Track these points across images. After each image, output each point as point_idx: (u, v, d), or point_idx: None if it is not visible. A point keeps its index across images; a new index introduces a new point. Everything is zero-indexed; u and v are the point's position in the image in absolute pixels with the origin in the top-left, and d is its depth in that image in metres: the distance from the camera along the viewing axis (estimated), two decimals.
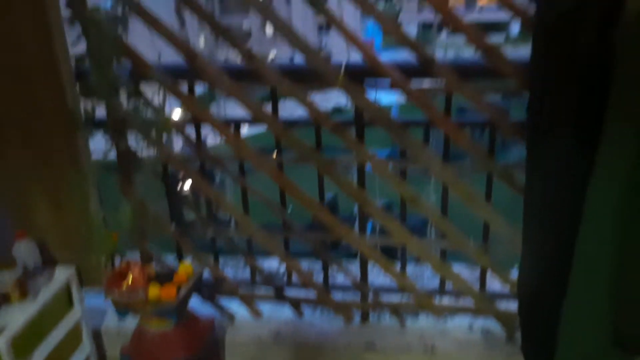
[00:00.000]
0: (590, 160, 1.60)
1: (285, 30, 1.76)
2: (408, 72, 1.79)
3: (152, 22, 1.72)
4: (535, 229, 1.80)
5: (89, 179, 1.80)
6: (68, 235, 1.92)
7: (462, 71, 1.76)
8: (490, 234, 1.99)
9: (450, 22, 1.67)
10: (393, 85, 1.77)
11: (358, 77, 1.82)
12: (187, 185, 2.31)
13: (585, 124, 1.59)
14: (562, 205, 1.72)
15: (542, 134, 1.69)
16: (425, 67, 1.74)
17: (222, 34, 1.76)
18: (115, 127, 1.85)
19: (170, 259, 2.20)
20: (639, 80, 1.50)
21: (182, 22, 1.70)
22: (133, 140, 1.88)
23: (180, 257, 2.24)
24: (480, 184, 1.94)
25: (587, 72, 1.57)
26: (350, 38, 1.75)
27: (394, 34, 1.72)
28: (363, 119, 1.91)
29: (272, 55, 14.82)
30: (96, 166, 1.81)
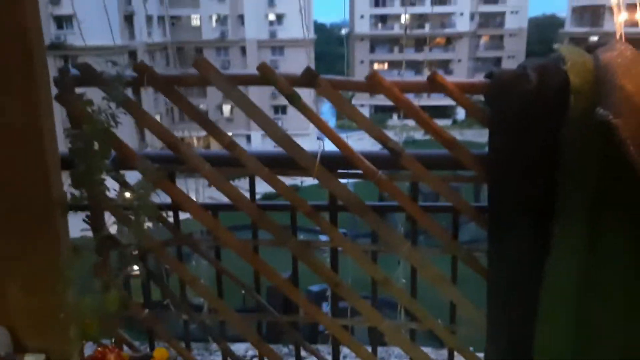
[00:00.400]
0: (546, 244, 1.76)
1: (263, 121, 1.89)
2: (378, 162, 1.93)
3: (140, 115, 1.83)
4: (499, 309, 1.92)
5: (67, 264, 1.81)
6: (41, 321, 1.89)
7: (427, 162, 1.92)
8: (457, 315, 2.08)
9: (402, 107, 1.84)
10: (364, 176, 1.91)
11: (332, 165, 1.95)
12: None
13: (540, 211, 1.76)
14: (522, 287, 1.85)
15: (501, 221, 1.84)
16: (393, 157, 1.90)
17: (205, 126, 1.88)
18: (97, 213, 1.90)
19: (143, 344, 2.18)
20: (583, 171, 1.70)
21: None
22: (113, 225, 1.92)
23: (152, 344, 2.22)
24: (448, 262, 2.07)
25: (540, 164, 1.76)
26: (325, 130, 1.90)
27: (359, 123, 1.88)
28: (337, 205, 2.03)
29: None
30: (75, 251, 1.83)
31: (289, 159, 1.92)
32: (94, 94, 1.88)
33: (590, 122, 1.61)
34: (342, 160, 1.93)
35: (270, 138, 1.90)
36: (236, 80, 1.85)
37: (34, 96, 1.70)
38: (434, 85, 1.83)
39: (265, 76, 1.83)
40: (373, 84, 1.85)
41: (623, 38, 1.75)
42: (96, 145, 1.69)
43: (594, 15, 44.80)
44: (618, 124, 1.55)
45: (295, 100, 1.85)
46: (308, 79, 1.84)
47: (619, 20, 1.77)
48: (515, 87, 1.75)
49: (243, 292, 2.21)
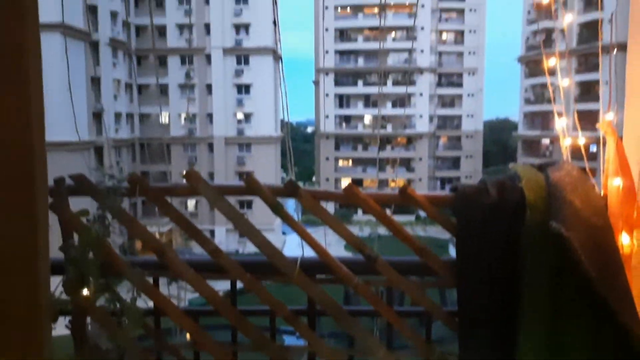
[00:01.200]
0: (513, 345, 1.87)
1: (247, 228, 2.01)
2: (354, 267, 2.06)
3: (131, 223, 1.93)
4: None
5: None
6: None
7: (400, 267, 2.05)
8: None
9: (376, 217, 2.00)
10: (342, 281, 2.02)
11: (311, 270, 2.06)
12: None
13: (504, 315, 1.90)
14: None
15: (470, 324, 1.96)
16: (369, 263, 2.02)
17: (193, 234, 1.98)
18: (80, 319, 1.93)
19: None
20: (540, 277, 1.86)
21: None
22: (95, 332, 1.94)
23: None
24: None
25: (502, 271, 1.92)
26: (306, 237, 2.03)
27: (339, 232, 2.01)
28: (315, 309, 2.11)
29: None
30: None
31: (270, 265, 2.02)
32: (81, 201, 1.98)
33: (545, 234, 1.80)
34: (320, 266, 2.05)
35: (254, 244, 2.01)
36: (224, 190, 1.99)
37: (30, 206, 1.78)
38: (405, 197, 2.01)
39: (251, 187, 1.97)
40: (349, 195, 2.01)
41: (569, 159, 1.99)
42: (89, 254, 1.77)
43: (544, 120, 47.92)
44: (570, 236, 1.73)
45: (278, 210, 1.99)
46: (290, 190, 2.00)
47: (565, 144, 2.03)
48: (477, 200, 1.94)
49: None
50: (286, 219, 1.99)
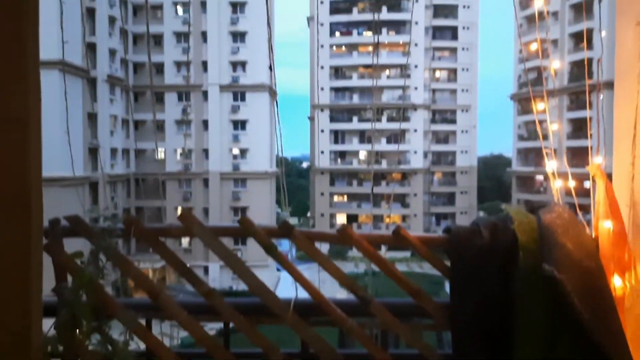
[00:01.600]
0: None
1: (241, 270, 2.01)
2: (348, 309, 2.05)
3: (126, 266, 1.93)
4: None
5: None
6: None
7: (394, 309, 2.05)
8: None
9: (370, 258, 2.00)
10: (336, 323, 2.01)
11: (304, 312, 2.05)
12: None
13: (500, 358, 1.89)
14: None
15: None
16: (363, 305, 2.02)
17: (187, 276, 1.98)
18: None
19: None
20: (534, 319, 1.87)
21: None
22: None
23: None
24: None
25: (496, 313, 1.92)
26: (300, 279, 2.03)
27: (333, 274, 2.02)
28: (309, 352, 2.09)
29: None
30: None
31: (264, 307, 2.02)
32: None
33: (537, 276, 1.81)
34: (314, 308, 2.04)
35: (247, 286, 2.01)
36: (219, 232, 2.00)
37: (24, 247, 1.78)
38: (398, 239, 2.02)
39: (246, 228, 1.98)
40: (344, 236, 2.02)
41: (560, 201, 2.02)
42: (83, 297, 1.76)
43: (538, 156, 48.34)
44: (562, 279, 1.75)
45: (273, 251, 2.00)
46: (284, 231, 2.01)
47: (556, 186, 2.06)
48: (470, 242, 1.95)
49: None
50: (280, 261, 1.99)
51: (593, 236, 1.96)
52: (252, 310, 2.06)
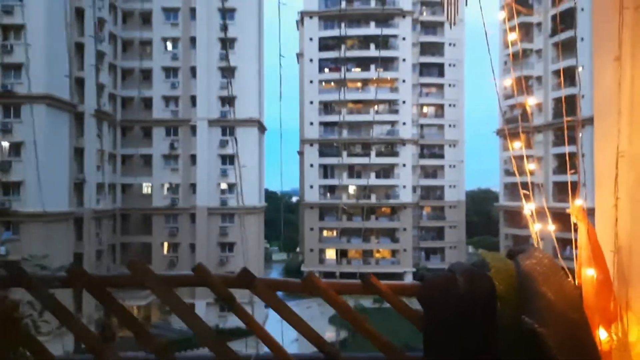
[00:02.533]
0: None
1: (200, 328, 1.85)
2: None
3: (68, 320, 1.75)
4: None
5: None
6: None
7: None
8: None
9: (337, 309, 1.85)
10: None
11: None
12: None
13: None
14: None
15: None
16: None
17: (132, 329, 1.81)
18: None
19: None
20: None
21: None
22: None
23: None
24: None
25: None
26: (260, 332, 1.87)
27: (296, 326, 1.86)
28: None
29: None
30: None
31: None
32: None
33: (517, 328, 1.66)
34: None
35: (201, 340, 1.84)
36: (172, 281, 1.84)
37: None
38: (367, 287, 1.87)
39: (201, 278, 1.82)
40: (309, 285, 1.87)
41: (540, 246, 1.88)
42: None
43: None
44: (544, 333, 1.60)
45: (230, 302, 1.84)
46: (244, 280, 1.85)
47: (535, 229, 1.93)
48: (445, 292, 1.81)
49: None
50: (238, 311, 1.83)
51: (576, 284, 1.83)
52: None
